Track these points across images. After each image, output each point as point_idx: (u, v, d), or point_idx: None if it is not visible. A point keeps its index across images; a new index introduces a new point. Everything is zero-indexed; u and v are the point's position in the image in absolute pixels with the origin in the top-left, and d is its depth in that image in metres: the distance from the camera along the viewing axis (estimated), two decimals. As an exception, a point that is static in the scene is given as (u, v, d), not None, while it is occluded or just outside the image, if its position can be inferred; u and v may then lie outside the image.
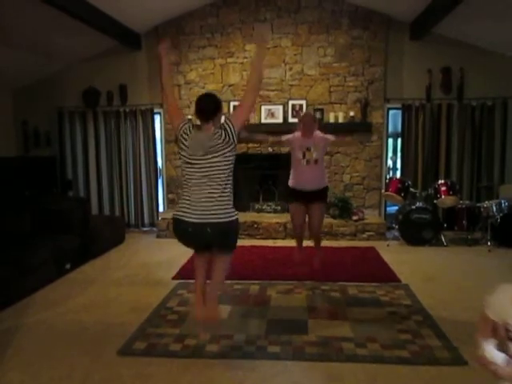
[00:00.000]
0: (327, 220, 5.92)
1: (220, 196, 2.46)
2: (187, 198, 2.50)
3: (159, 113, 7.03)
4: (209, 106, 2.59)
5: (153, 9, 6.12)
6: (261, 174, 7.04)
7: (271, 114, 6.61)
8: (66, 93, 7.09)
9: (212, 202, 2.44)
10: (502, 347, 1.40)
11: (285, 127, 6.53)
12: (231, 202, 2.53)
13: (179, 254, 5.00)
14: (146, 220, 7.14)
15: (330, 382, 2.67)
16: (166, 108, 2.88)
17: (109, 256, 5.65)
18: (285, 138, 4.16)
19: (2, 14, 4.89)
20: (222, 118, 2.57)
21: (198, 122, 2.70)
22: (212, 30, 6.66)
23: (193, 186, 2.48)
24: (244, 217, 6.45)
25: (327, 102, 6.60)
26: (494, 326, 1.50)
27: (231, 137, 2.50)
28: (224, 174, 2.47)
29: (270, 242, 6.07)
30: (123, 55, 6.90)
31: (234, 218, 2.50)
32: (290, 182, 4.12)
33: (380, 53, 6.48)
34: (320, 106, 6.58)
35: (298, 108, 4.01)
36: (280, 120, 6.60)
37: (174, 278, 4.55)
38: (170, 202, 7.12)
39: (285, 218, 6.19)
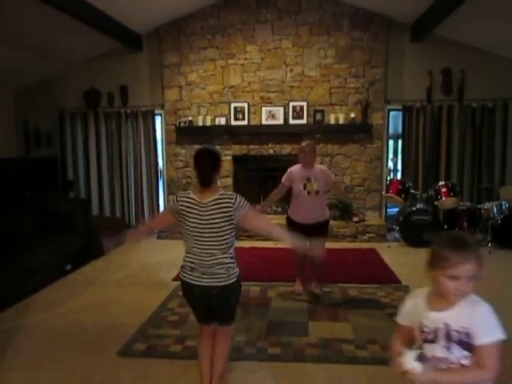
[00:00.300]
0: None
1: (222, 255, 2.37)
2: (189, 257, 2.45)
3: (160, 114, 7.05)
4: (208, 170, 2.39)
5: (154, 10, 6.13)
6: (261, 175, 7.05)
7: (272, 116, 6.61)
8: (67, 93, 7.10)
9: (214, 262, 2.35)
10: (420, 357, 1.43)
11: (285, 129, 6.57)
12: (233, 259, 2.43)
13: (180, 255, 4.96)
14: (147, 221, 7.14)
15: (330, 383, 2.67)
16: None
17: (109, 257, 5.65)
18: (284, 179, 4.00)
19: (4, 15, 4.90)
20: (240, 202, 2.38)
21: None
22: (213, 31, 6.67)
23: (192, 245, 2.42)
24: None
25: (328, 103, 6.61)
26: (410, 331, 1.52)
27: (233, 212, 2.36)
28: (224, 235, 2.36)
29: (270, 244, 6.05)
30: (124, 56, 6.91)
31: (234, 280, 2.39)
32: (290, 212, 4.05)
33: (381, 54, 6.49)
34: (321, 108, 6.59)
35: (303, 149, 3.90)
36: (281, 121, 6.60)
37: (174, 280, 4.54)
38: (170, 203, 7.11)
39: (285, 219, 6.18)
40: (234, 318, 2.54)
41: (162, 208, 7.24)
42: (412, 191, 6.01)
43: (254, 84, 6.70)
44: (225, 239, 2.38)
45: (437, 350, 1.44)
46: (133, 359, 2.95)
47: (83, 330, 3.42)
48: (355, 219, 6.36)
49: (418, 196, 6.14)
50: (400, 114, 6.69)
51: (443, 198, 5.76)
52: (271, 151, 6.75)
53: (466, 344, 1.39)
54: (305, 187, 3.85)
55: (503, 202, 5.80)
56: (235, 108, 6.70)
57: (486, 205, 5.89)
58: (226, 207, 2.35)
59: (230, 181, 6.87)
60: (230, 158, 6.82)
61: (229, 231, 2.38)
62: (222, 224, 2.35)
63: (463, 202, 6.18)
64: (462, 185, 6.47)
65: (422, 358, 1.42)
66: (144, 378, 2.73)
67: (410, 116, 6.58)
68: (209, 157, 2.44)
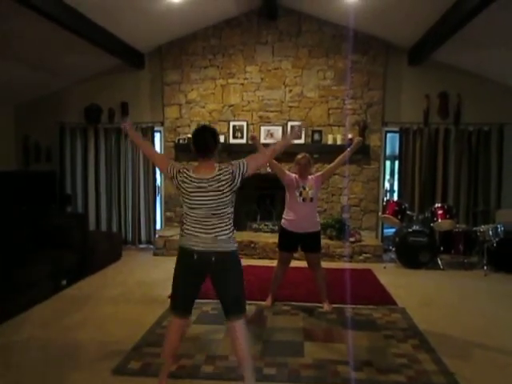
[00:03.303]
0: (324, 241, 5.92)
1: (222, 229, 2.48)
2: (189, 228, 2.51)
3: (160, 131, 7.10)
4: (208, 142, 2.53)
5: (156, 29, 6.24)
6: (259, 193, 7.08)
7: (270, 135, 6.68)
8: (68, 109, 7.16)
9: (214, 234, 2.47)
10: None
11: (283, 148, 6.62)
12: (232, 234, 2.55)
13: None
14: (143, 237, 7.13)
15: (325, 405, 2.65)
16: (154, 163, 2.66)
17: (105, 273, 5.62)
18: (284, 169, 4.27)
19: (6, 30, 4.96)
20: (238, 163, 2.54)
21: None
22: (214, 51, 6.78)
23: (194, 218, 2.48)
24: (241, 236, 6.46)
25: (326, 124, 6.69)
26: None
27: (236, 178, 2.48)
28: (225, 207, 2.47)
29: (266, 262, 6.06)
30: (126, 73, 6.99)
31: (234, 249, 2.51)
32: (284, 222, 4.19)
33: (379, 77, 6.60)
34: (319, 128, 6.66)
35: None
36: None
37: (169, 297, 4.52)
38: (167, 220, 7.13)
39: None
40: (243, 307, 2.59)
41: (158, 226, 7.24)
42: (408, 212, 6.04)
43: (253, 103, 6.78)
44: (226, 212, 2.49)
45: None
46: (127, 378, 2.93)
47: (78, 347, 3.39)
48: (351, 239, 6.37)
49: (414, 217, 6.18)
50: (397, 135, 6.77)
51: (439, 220, 5.80)
52: (269, 170, 6.77)
53: None
54: (300, 194, 4.06)
55: (499, 225, 5.83)
56: (234, 126, 6.77)
57: (482, 227, 5.92)
58: (228, 179, 2.47)
59: (227, 198, 6.88)
60: (228, 175, 6.84)
61: (230, 203, 2.51)
62: (225, 198, 2.46)
63: (459, 224, 6.21)
64: (458, 207, 6.51)
65: None
66: (138, 397, 2.71)
67: (407, 138, 6.66)
68: (208, 131, 2.58)
